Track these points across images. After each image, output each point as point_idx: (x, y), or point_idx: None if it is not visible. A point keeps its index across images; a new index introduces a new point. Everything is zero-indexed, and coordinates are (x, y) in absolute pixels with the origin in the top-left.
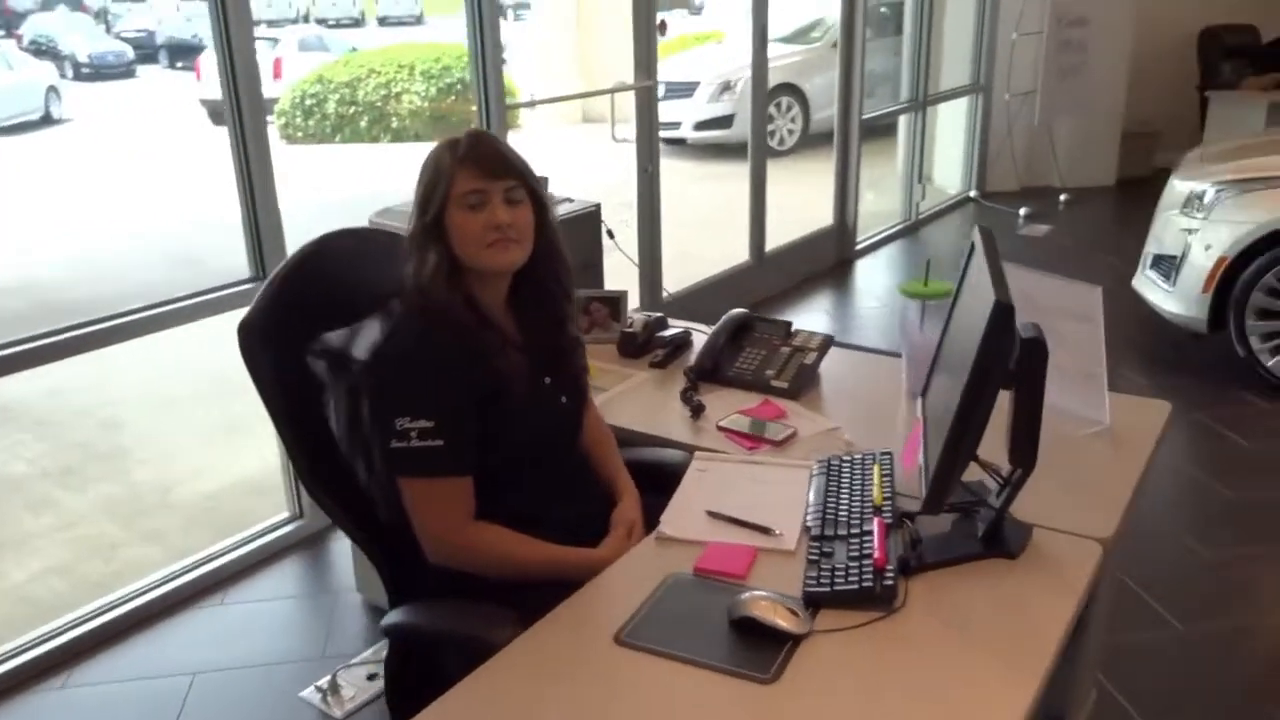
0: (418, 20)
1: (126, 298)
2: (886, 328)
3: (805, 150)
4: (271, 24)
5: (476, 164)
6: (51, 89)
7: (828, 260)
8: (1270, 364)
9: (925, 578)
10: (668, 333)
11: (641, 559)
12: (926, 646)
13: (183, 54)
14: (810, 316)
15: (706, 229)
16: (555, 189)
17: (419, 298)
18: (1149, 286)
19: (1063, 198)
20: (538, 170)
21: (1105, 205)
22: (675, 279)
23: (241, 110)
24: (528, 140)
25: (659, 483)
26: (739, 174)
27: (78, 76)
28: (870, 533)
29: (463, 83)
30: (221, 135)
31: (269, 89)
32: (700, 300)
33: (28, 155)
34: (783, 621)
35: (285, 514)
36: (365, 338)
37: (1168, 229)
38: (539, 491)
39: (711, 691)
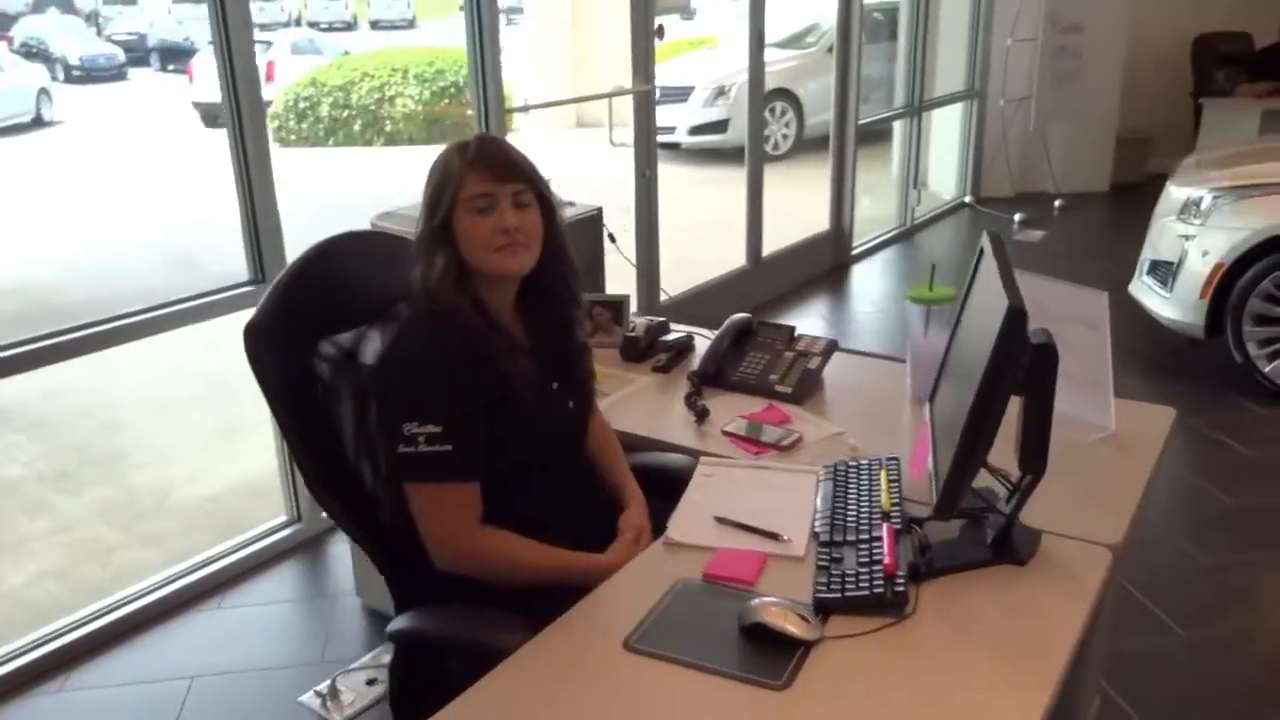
0: (410, 24)
1: (122, 300)
2: (882, 332)
3: (799, 155)
4: (263, 28)
5: (485, 167)
6: (43, 91)
7: (824, 265)
8: (1267, 370)
9: (935, 584)
10: (670, 337)
11: (649, 564)
12: (939, 653)
13: (174, 57)
14: (807, 321)
15: (702, 234)
16: (556, 192)
17: (427, 301)
18: (1146, 292)
19: (1057, 203)
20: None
21: (1099, 211)
22: (672, 284)
23: (241, 113)
24: (522, 145)
25: (664, 488)
26: (733, 179)
27: (69, 79)
28: (879, 538)
29: (456, 86)
30: (214, 138)
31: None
32: (698, 305)
33: (19, 157)
34: (794, 628)
35: (283, 517)
36: (372, 341)
37: (1164, 235)
38: (545, 496)
39: (724, 698)
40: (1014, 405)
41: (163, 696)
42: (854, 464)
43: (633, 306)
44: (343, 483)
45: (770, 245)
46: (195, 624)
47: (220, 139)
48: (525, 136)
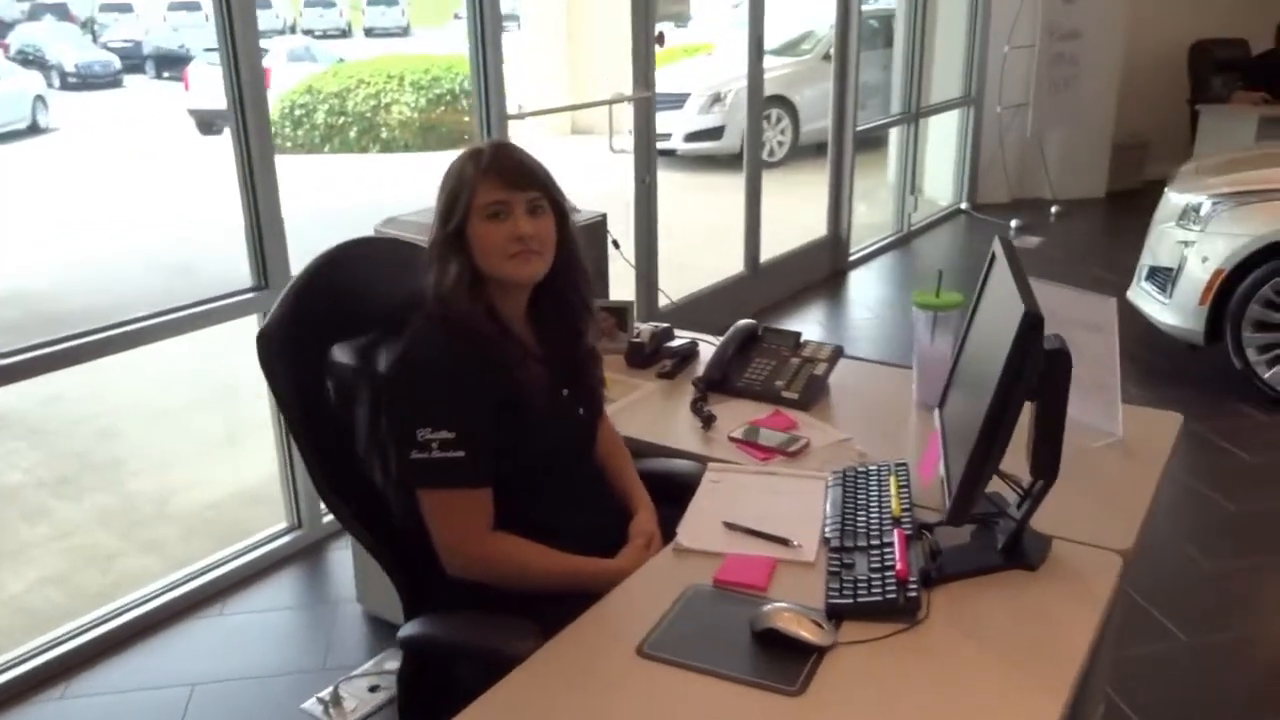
0: (404, 32)
1: (119, 307)
2: (881, 338)
3: (795, 162)
4: (259, 35)
5: (500, 174)
6: (39, 98)
7: (822, 271)
8: (1267, 376)
9: (946, 589)
10: (675, 343)
11: (660, 571)
12: (952, 658)
13: (169, 64)
14: (805, 327)
15: (699, 240)
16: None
17: (440, 308)
18: (1145, 299)
19: (1054, 210)
20: None
21: (1096, 217)
22: (670, 290)
23: (246, 119)
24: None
25: (671, 494)
26: (728, 185)
27: (64, 86)
28: (890, 544)
29: (452, 94)
30: (210, 145)
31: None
32: (697, 311)
33: (15, 164)
34: (807, 633)
35: (283, 524)
36: (383, 347)
37: (1163, 241)
38: (555, 503)
39: (739, 704)
40: (1024, 411)
41: (165, 703)
42: (863, 470)
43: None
44: (354, 489)
45: (767, 251)
46: (196, 631)
47: (215, 145)
48: (521, 143)
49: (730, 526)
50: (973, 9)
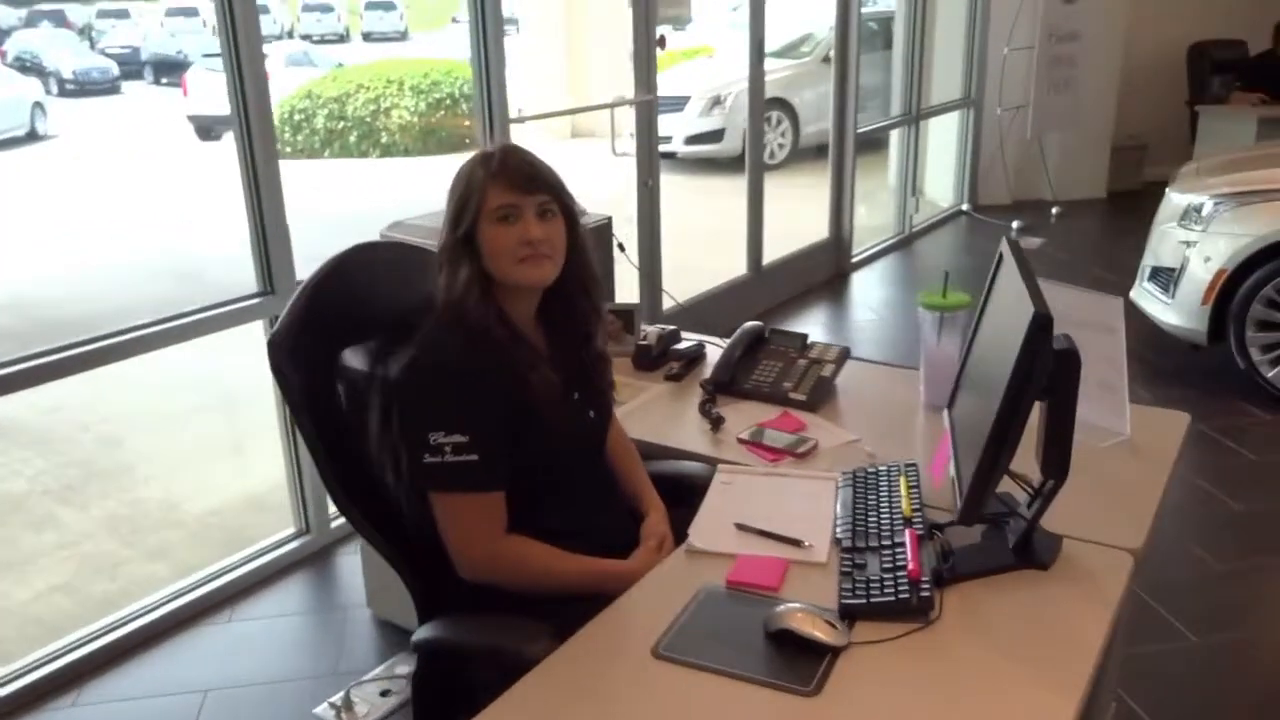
0: (402, 36)
1: (121, 314)
2: (884, 339)
3: (794, 164)
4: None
5: (509, 178)
6: (37, 105)
7: (824, 273)
8: (1271, 375)
9: (958, 589)
10: (682, 346)
11: (672, 572)
12: (967, 658)
13: (167, 70)
14: (809, 329)
15: (700, 243)
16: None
17: (451, 312)
18: (1147, 299)
19: (1054, 210)
20: None
21: (1096, 218)
22: (674, 294)
23: (250, 124)
24: None
25: (681, 495)
26: (729, 188)
27: (62, 93)
28: (902, 544)
29: (452, 98)
30: (209, 150)
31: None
32: (700, 313)
33: (14, 171)
34: (821, 634)
35: (291, 530)
36: (395, 352)
37: (1165, 242)
38: (567, 505)
39: (755, 704)
40: (1033, 410)
41: (177, 710)
42: (872, 470)
43: None
44: (367, 493)
45: (768, 254)
46: (206, 637)
47: (214, 151)
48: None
49: (741, 528)
50: (972, 11)
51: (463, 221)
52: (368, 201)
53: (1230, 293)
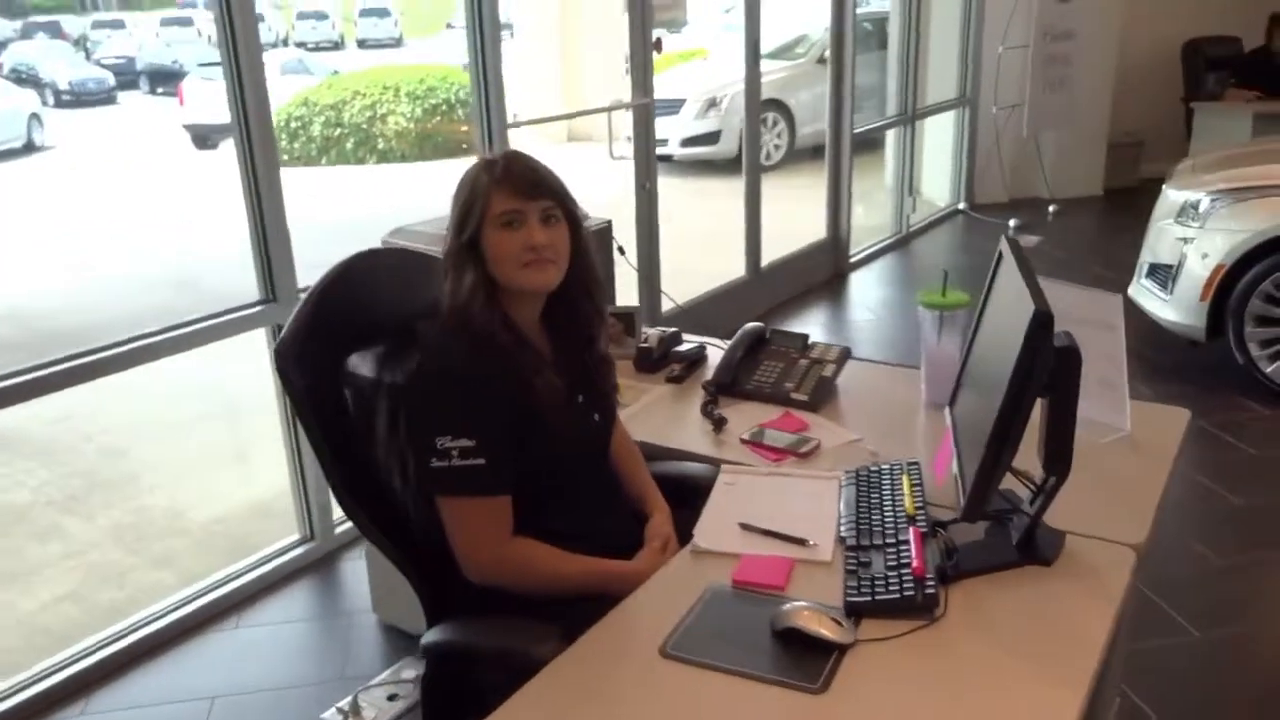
0: (397, 43)
1: (119, 324)
2: (883, 339)
3: (791, 165)
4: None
5: (513, 184)
6: (34, 116)
7: (823, 274)
8: (1269, 370)
9: (962, 586)
10: (683, 348)
11: (678, 572)
12: (972, 654)
13: (163, 80)
14: (808, 329)
15: (697, 245)
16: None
17: (456, 317)
18: (1146, 296)
19: (1051, 208)
20: None
21: (1093, 215)
22: (672, 297)
23: (251, 132)
24: None
25: (685, 496)
26: (725, 190)
27: (59, 104)
28: (906, 542)
29: (448, 103)
30: (206, 160)
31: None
32: (699, 315)
33: (12, 183)
34: (827, 631)
35: (295, 536)
36: (397, 357)
37: (1162, 238)
38: (572, 508)
39: (763, 702)
40: (1035, 408)
41: (185, 717)
42: (875, 469)
43: None
44: (374, 498)
45: (766, 255)
46: (214, 644)
47: (211, 160)
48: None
49: (746, 528)
50: (966, 10)
51: (467, 227)
52: (365, 208)
53: (1228, 288)
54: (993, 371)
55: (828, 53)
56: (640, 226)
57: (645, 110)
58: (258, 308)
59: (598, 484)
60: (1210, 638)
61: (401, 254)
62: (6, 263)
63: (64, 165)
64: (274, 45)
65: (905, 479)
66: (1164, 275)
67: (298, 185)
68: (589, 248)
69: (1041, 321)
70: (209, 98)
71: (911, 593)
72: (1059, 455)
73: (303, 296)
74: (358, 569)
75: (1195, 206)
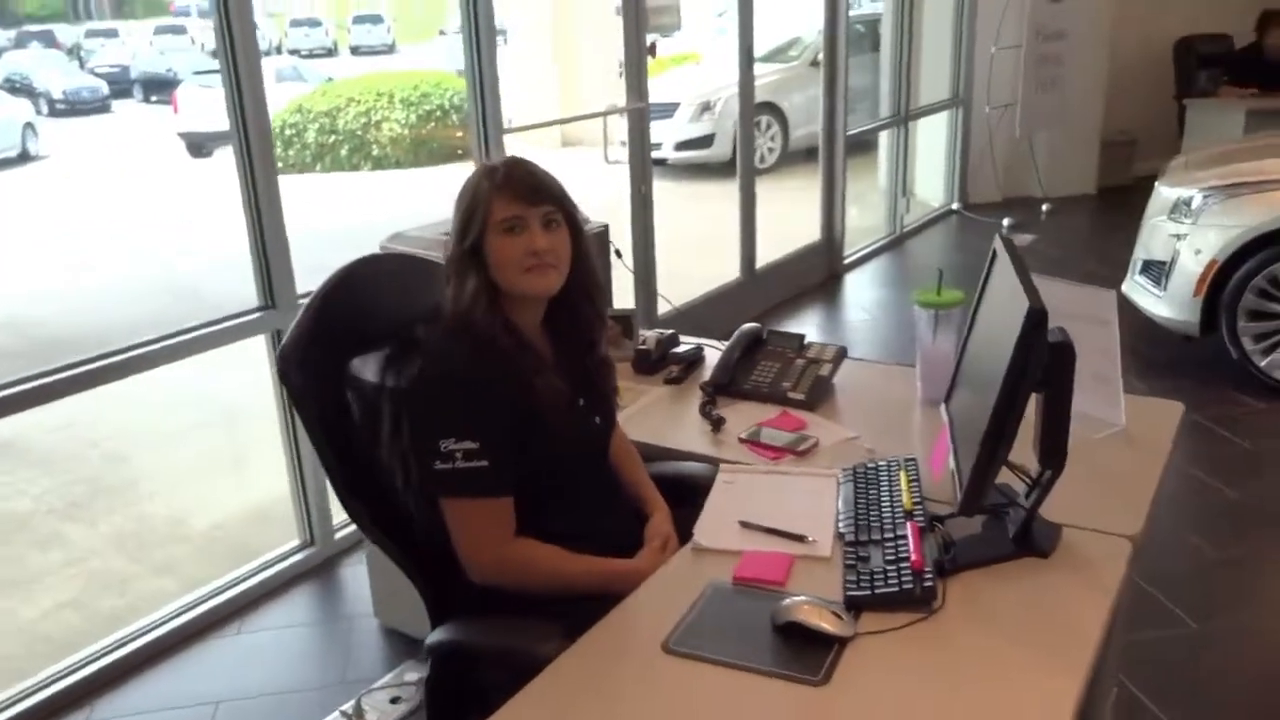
0: (390, 49)
1: (119, 330)
2: (879, 339)
3: (785, 168)
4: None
5: (514, 190)
6: (28, 126)
7: (817, 275)
8: (1264, 364)
9: (960, 579)
10: (681, 349)
11: (679, 570)
12: (970, 646)
13: (157, 88)
14: (804, 330)
15: (691, 248)
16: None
17: (459, 321)
18: (1139, 292)
19: (1045, 207)
20: None
21: (1086, 213)
22: (666, 301)
23: (249, 140)
24: None
25: (684, 495)
26: (719, 193)
27: (53, 113)
28: (904, 536)
29: (442, 109)
30: (201, 167)
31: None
32: (695, 318)
33: (7, 192)
34: (828, 625)
35: (296, 542)
36: (402, 360)
37: (1156, 235)
38: (573, 509)
39: (765, 694)
40: (1030, 403)
41: None
42: (873, 466)
43: None
44: (377, 500)
45: (760, 257)
46: (216, 650)
47: (206, 168)
48: None
49: (746, 525)
50: (959, 11)
51: (469, 233)
52: (361, 214)
53: (1221, 284)
54: (988, 368)
55: (821, 55)
56: (636, 230)
57: (640, 114)
58: (257, 314)
59: (598, 485)
60: (1207, 629)
61: (402, 259)
62: (3, 271)
63: (59, 174)
64: (268, 53)
65: (903, 475)
66: (1158, 271)
67: (293, 192)
68: (589, 252)
69: (1036, 318)
70: (204, 105)
71: (910, 586)
72: (1054, 449)
73: (302, 303)
74: (358, 573)
75: (1188, 203)
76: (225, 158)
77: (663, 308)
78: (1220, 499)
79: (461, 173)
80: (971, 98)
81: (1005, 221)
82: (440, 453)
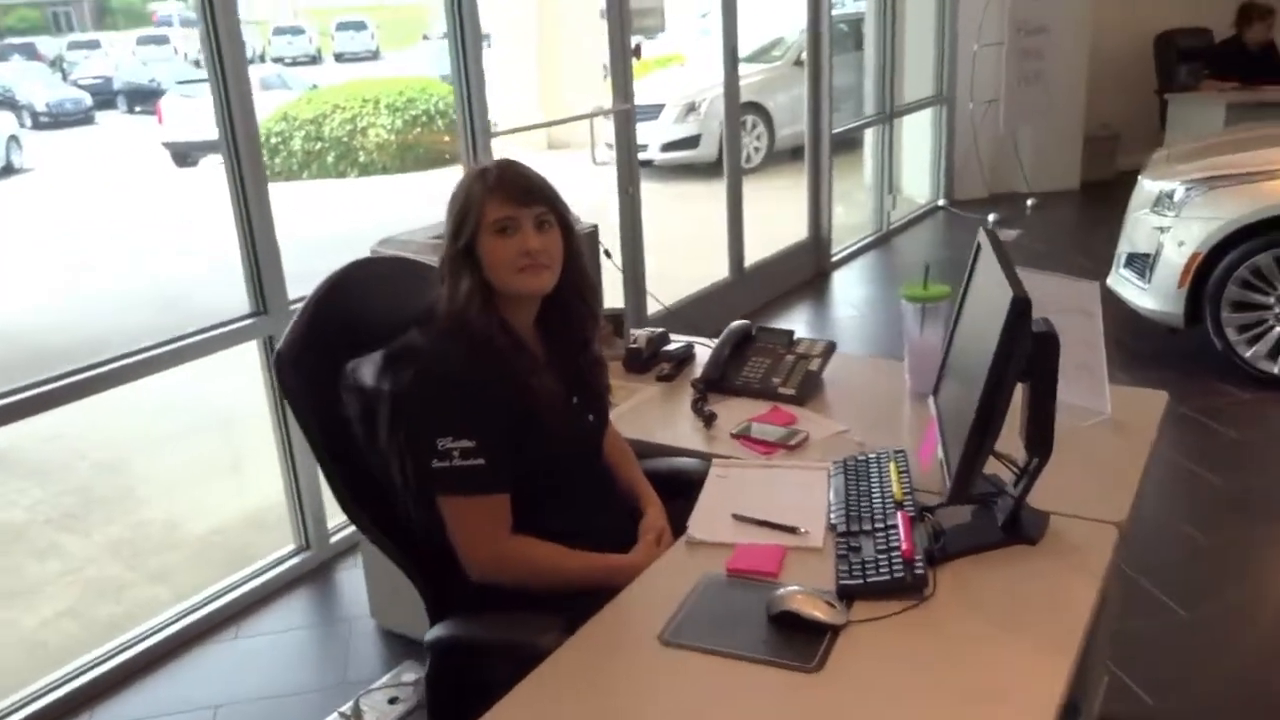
0: (374, 55)
1: (108, 340)
2: (867, 335)
3: (771, 167)
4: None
5: (507, 191)
6: (12, 139)
7: (805, 273)
8: (1248, 354)
9: (951, 566)
10: (672, 347)
11: (674, 563)
12: (960, 631)
13: (141, 98)
14: (793, 328)
15: (679, 248)
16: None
17: (454, 322)
18: (1124, 285)
19: (1030, 202)
20: None
21: (1071, 208)
22: (655, 301)
23: (238, 147)
24: None
25: (678, 490)
26: (705, 194)
27: (36, 125)
28: (895, 526)
29: (428, 114)
30: (186, 177)
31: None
32: (685, 317)
33: None
34: (820, 614)
35: (291, 546)
36: (398, 361)
37: (1139, 228)
38: (569, 506)
39: (761, 682)
40: (1016, 393)
41: None
42: (863, 458)
43: None
44: (375, 500)
45: (748, 256)
46: (214, 655)
47: (192, 177)
48: None
49: (739, 518)
50: (941, 9)
51: (463, 234)
52: (349, 221)
53: (1205, 275)
54: (974, 359)
55: (804, 55)
56: (624, 230)
57: (626, 116)
58: (249, 320)
59: (593, 482)
60: (1196, 616)
61: (395, 262)
62: None
63: (44, 187)
64: (252, 61)
65: (892, 466)
66: (1142, 264)
67: (280, 200)
68: (582, 252)
69: (1020, 308)
70: (189, 115)
71: (901, 574)
72: (1040, 438)
73: (295, 308)
74: (354, 576)
75: (1171, 196)
76: (211, 166)
77: (652, 307)
78: (1207, 488)
79: (448, 177)
80: (955, 94)
81: (991, 217)
82: (437, 451)
